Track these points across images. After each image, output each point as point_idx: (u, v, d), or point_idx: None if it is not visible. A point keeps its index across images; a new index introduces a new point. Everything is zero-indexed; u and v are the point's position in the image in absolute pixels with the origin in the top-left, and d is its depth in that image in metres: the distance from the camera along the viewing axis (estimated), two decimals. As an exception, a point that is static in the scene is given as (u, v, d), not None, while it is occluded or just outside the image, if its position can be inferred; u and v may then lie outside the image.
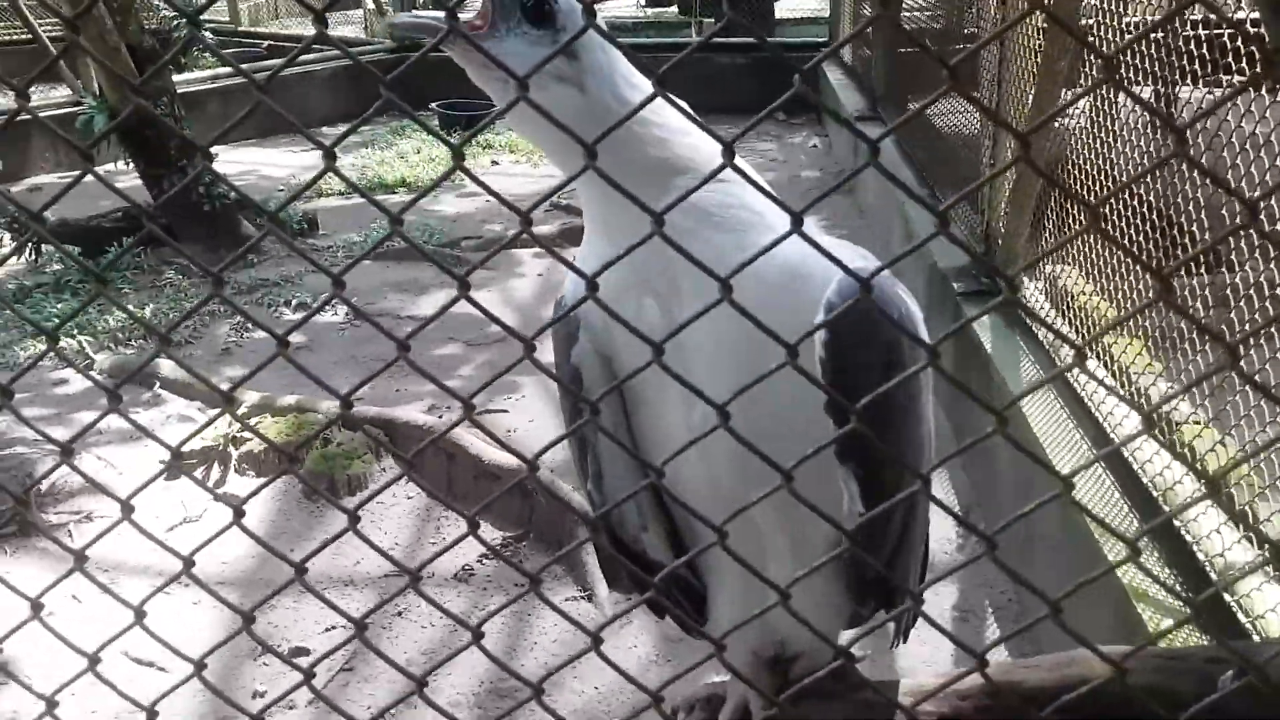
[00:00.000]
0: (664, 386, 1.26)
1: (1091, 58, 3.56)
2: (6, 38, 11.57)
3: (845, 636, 1.49)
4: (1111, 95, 3.47)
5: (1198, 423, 2.75)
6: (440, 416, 4.37)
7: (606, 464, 1.35)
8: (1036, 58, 3.85)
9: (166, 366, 4.79)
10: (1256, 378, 2.33)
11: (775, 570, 1.16)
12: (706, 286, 0.87)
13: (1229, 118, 2.62)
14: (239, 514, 1.15)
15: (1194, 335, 2.73)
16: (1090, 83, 3.69)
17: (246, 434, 4.09)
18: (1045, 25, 3.72)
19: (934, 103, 0.91)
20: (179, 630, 3.08)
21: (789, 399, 1.11)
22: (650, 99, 0.93)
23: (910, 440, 1.28)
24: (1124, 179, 3.34)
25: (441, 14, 1.03)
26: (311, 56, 10.44)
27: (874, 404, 0.85)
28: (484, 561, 3.61)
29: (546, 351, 1.21)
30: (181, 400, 4.60)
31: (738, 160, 0.89)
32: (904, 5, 7.33)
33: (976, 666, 0.89)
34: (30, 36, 9.58)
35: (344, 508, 1.08)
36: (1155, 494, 2.70)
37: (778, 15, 11.91)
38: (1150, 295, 2.96)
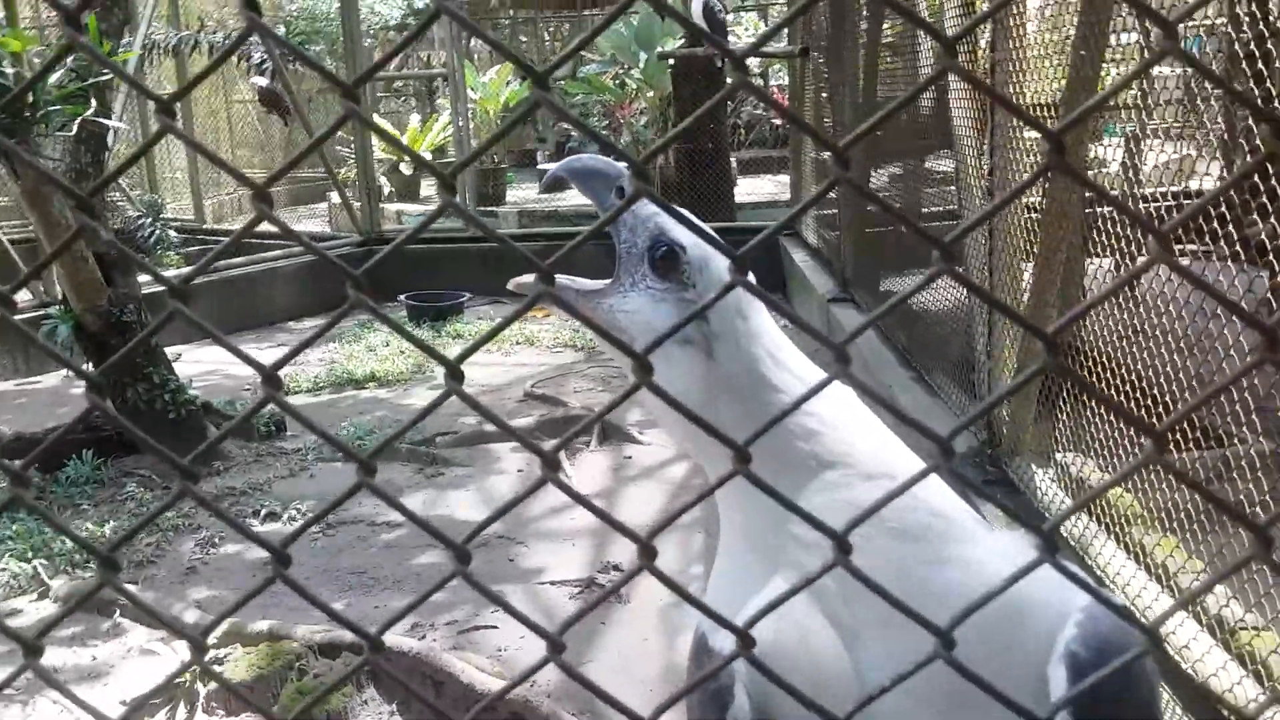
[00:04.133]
0: None
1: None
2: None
3: None
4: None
5: (1255, 629, 2.57)
6: (423, 637, 4.08)
7: None
8: (1030, 243, 3.83)
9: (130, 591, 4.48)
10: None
11: None
12: (895, 622, 0.68)
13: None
14: None
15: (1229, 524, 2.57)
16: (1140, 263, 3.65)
17: (214, 666, 3.77)
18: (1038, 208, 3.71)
19: (928, 285, 0.76)
20: None
21: None
22: (822, 385, 0.75)
23: None
24: (1134, 375, 3.23)
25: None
26: (278, 252, 10.43)
27: None
28: (481, 806, 3.27)
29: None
30: (144, 630, 4.27)
31: (924, 467, 0.71)
32: (870, 184, 7.46)
33: None
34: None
35: None
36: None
37: (737, 199, 12.14)
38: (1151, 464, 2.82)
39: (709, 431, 0.73)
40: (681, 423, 1.03)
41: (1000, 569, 0.75)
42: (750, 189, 13.68)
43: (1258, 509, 2.41)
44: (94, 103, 4.35)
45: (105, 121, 4.40)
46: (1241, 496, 2.58)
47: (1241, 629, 2.57)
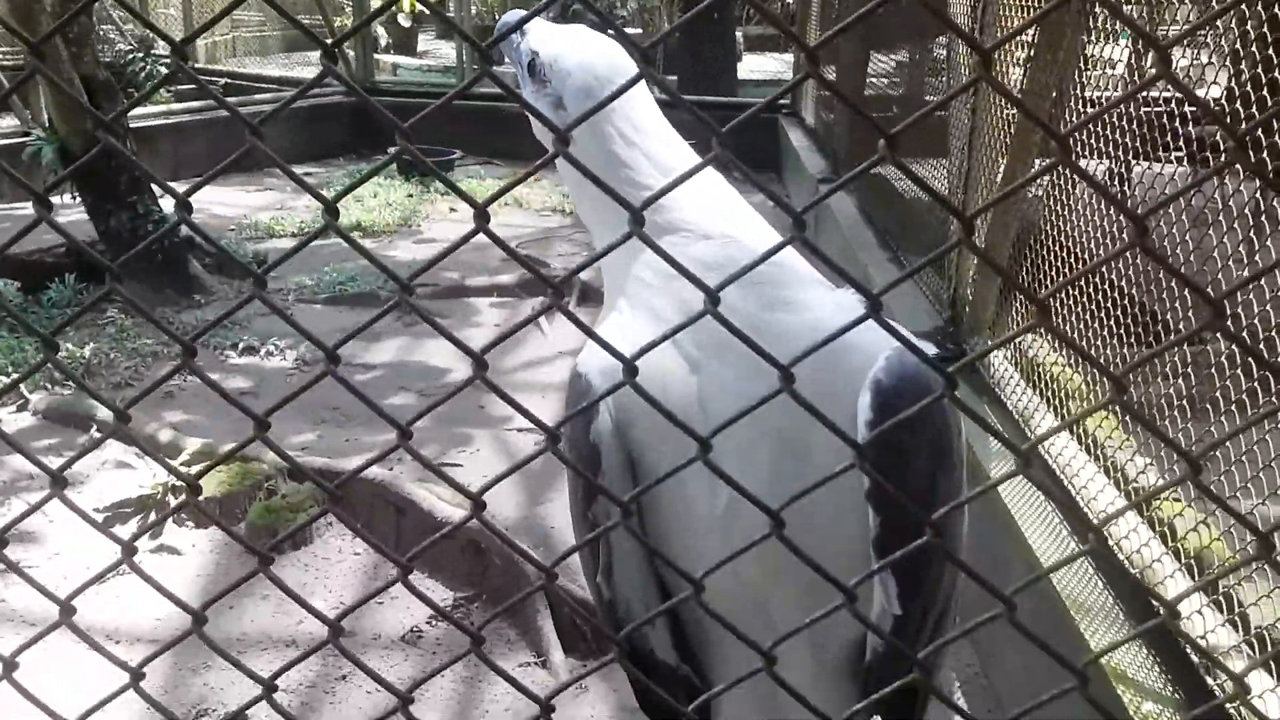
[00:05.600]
0: (684, 474, 1.16)
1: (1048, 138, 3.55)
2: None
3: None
4: (1068, 175, 3.47)
5: (1177, 500, 2.70)
6: (391, 469, 4.22)
7: (618, 555, 1.23)
8: (1009, 127, 3.85)
9: (103, 411, 4.60)
10: (1216, 479, 2.29)
11: (790, 675, 1.05)
12: (737, 347, 0.78)
13: (1199, 196, 2.61)
14: (130, 551, 1.04)
15: (1171, 411, 2.68)
16: (1045, 164, 3.69)
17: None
18: (1020, 93, 3.73)
19: (868, 170, 0.85)
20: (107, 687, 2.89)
21: (828, 492, 1.02)
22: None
23: (954, 538, 1.19)
24: (1088, 257, 3.32)
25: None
26: (268, 97, 10.32)
27: (920, 494, 0.77)
28: (433, 624, 3.45)
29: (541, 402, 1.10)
30: (119, 445, 4.40)
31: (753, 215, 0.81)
32: (868, 71, 7.40)
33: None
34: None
35: (257, 549, 0.96)
36: (1133, 570, 2.63)
37: (740, 76, 11.99)
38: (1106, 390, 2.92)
39: (605, 190, 0.81)
40: (584, 196, 1.20)
41: (830, 315, 0.84)
42: (756, 65, 13.50)
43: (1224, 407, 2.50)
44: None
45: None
46: (1195, 392, 2.66)
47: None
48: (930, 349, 1.05)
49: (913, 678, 0.86)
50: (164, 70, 10.91)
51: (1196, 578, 2.41)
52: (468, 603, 3.57)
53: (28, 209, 8.43)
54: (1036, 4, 3.65)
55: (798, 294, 1.09)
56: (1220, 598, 2.31)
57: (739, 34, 12.74)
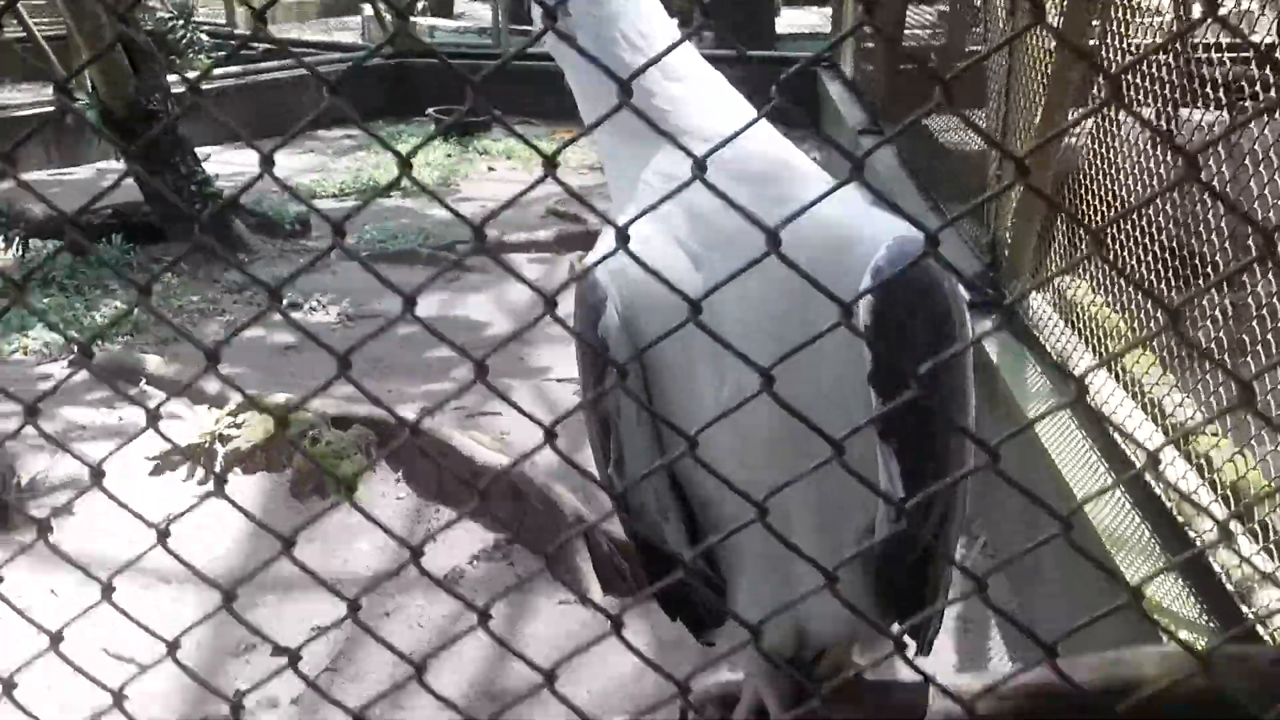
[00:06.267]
0: (692, 359, 1.18)
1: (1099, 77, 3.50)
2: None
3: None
4: (1117, 115, 3.42)
5: (1214, 434, 2.69)
6: (433, 416, 4.28)
7: (629, 447, 1.25)
8: (1045, 71, 3.81)
9: (153, 363, 4.70)
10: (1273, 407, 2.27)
11: (802, 571, 1.08)
12: (739, 244, 0.80)
13: (1243, 140, 2.57)
14: (163, 536, 1.08)
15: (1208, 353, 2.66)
16: (1094, 102, 3.64)
17: (233, 431, 4.00)
18: (1053, 40, 3.68)
19: (922, 119, 0.86)
20: (159, 626, 2.98)
21: (829, 370, 1.04)
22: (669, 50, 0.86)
23: (956, 415, 1.20)
24: (1133, 199, 3.28)
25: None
26: (307, 60, 10.38)
27: (924, 378, 0.78)
28: (475, 564, 3.51)
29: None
30: (170, 397, 4.49)
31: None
32: (905, 22, 7.31)
33: (1046, 659, 0.81)
34: (24, 35, 9.48)
35: (280, 535, 0.99)
36: (1169, 504, 2.63)
37: (779, 30, 11.89)
38: (1159, 321, 2.90)
39: (600, 67, 0.83)
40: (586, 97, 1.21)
41: (835, 210, 0.85)
42: (794, 20, 13.37)
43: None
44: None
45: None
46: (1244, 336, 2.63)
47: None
48: (908, 230, 1.07)
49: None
50: (204, 37, 11.02)
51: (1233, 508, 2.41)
52: (506, 545, 3.63)
53: (76, 173, 8.59)
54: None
55: (803, 191, 1.10)
56: (1256, 526, 2.31)
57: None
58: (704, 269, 1.13)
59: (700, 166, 0.79)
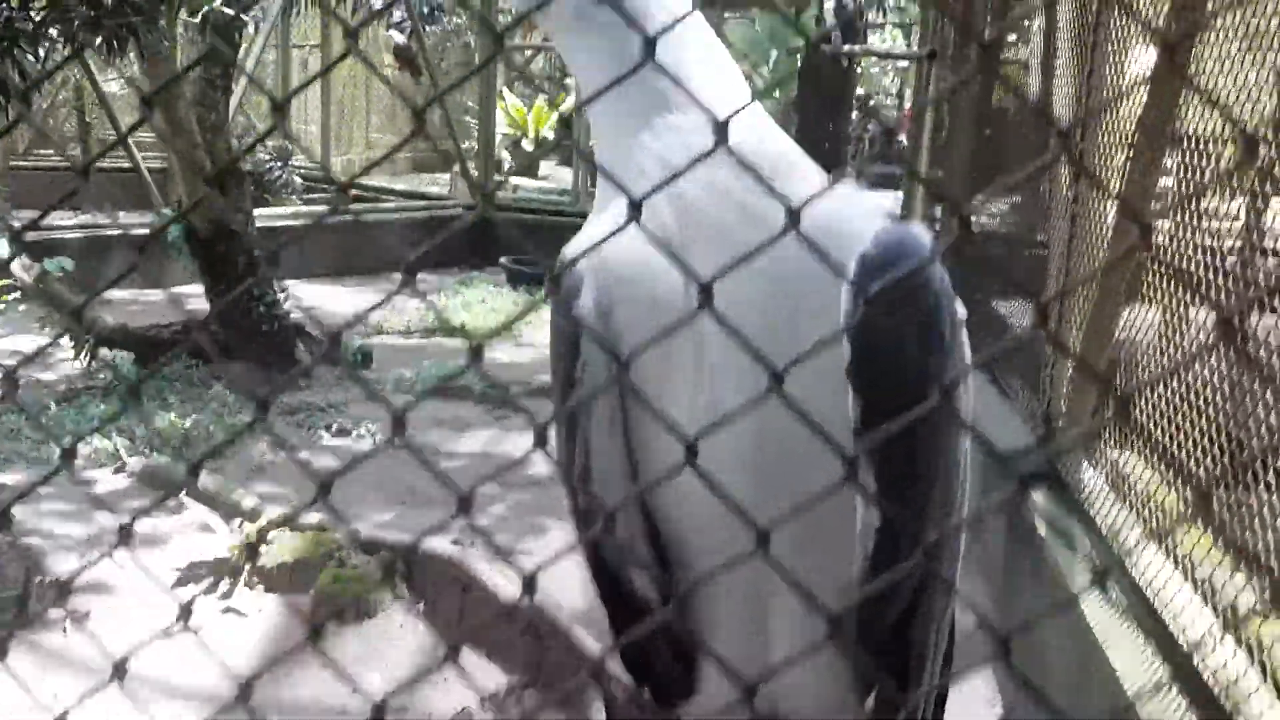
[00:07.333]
0: (669, 365, 1.12)
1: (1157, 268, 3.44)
2: (111, 165, 12.13)
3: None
4: (1185, 314, 3.36)
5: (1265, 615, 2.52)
6: (464, 549, 4.21)
7: (597, 456, 1.18)
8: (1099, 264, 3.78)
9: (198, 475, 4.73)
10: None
11: (778, 626, 0.99)
12: (727, 236, 0.76)
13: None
14: (186, 613, 1.04)
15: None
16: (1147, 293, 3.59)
17: (262, 547, 3.97)
18: (1109, 236, 3.66)
19: (1020, 343, 0.82)
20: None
21: (810, 375, 0.98)
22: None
23: (942, 448, 1.11)
24: (1191, 396, 3.18)
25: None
26: (390, 205, 10.78)
27: (903, 377, 0.72)
28: (485, 706, 3.38)
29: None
30: (204, 509, 4.50)
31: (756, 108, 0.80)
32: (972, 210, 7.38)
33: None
34: (131, 166, 10.02)
35: (308, 622, 0.95)
36: (1216, 689, 2.44)
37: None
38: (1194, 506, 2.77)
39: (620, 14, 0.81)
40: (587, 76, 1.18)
41: (826, 202, 0.81)
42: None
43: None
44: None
45: (231, 11, 4.63)
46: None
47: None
48: (926, 235, 1.01)
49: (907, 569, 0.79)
50: (299, 180, 11.54)
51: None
52: (521, 688, 3.49)
53: (156, 295, 8.90)
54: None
55: (798, 183, 1.07)
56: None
57: (850, 169, 12.90)
58: (690, 258, 1.09)
59: (723, 138, 0.75)
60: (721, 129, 0.72)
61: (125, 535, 1.09)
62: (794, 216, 0.71)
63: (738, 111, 0.77)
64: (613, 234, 0.83)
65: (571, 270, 1.17)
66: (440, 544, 4.08)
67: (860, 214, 0.93)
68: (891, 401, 0.72)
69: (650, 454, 1.06)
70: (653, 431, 1.13)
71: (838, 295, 0.96)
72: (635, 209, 0.78)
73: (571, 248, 1.19)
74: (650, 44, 0.77)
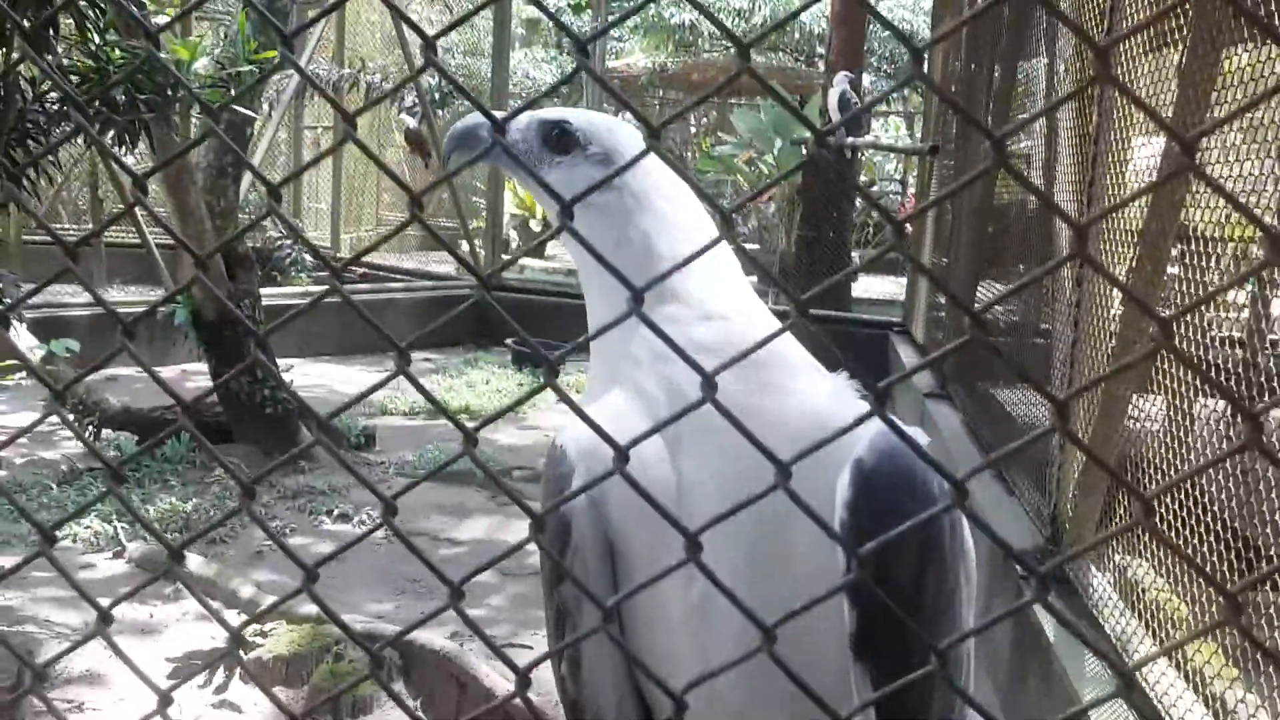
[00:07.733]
0: (662, 556, 1.11)
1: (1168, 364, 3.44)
2: (119, 240, 12.25)
3: None
4: (1189, 408, 3.36)
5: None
6: (462, 644, 4.15)
7: (587, 647, 1.17)
8: (1109, 350, 3.78)
9: (193, 562, 4.68)
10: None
11: None
12: (719, 427, 0.75)
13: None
14: (165, 702, 1.03)
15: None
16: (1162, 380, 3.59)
17: (257, 639, 3.91)
18: (1116, 331, 3.68)
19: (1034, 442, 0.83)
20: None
21: (806, 580, 0.96)
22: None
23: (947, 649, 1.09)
24: (1199, 492, 3.16)
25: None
26: (398, 285, 10.85)
27: (904, 592, 0.71)
28: (481, 809, 3.30)
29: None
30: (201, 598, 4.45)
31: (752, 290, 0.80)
32: (975, 298, 7.42)
33: None
34: (139, 241, 10.12)
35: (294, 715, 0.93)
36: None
37: (856, 295, 12.18)
38: (1219, 612, 2.74)
39: (611, 271, 0.82)
40: (586, 262, 1.20)
41: (822, 400, 0.81)
42: (870, 286, 13.69)
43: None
44: (232, 91, 4.67)
45: (245, 111, 4.71)
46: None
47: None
48: (923, 438, 1.00)
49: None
50: (309, 259, 11.64)
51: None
52: (520, 790, 3.41)
53: (170, 370, 8.92)
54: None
55: (790, 379, 1.06)
56: None
57: (855, 255, 13.00)
58: (683, 454, 1.08)
59: (711, 387, 0.75)
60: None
61: (104, 620, 1.07)
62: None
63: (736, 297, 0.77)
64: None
65: (562, 453, 1.17)
66: (436, 639, 4.03)
67: (853, 415, 0.93)
68: (890, 613, 0.70)
69: (639, 640, 1.05)
70: (643, 617, 1.13)
71: (830, 483, 0.95)
72: (638, 299, 0.79)
73: (563, 433, 1.19)
74: (638, 296, 0.78)
